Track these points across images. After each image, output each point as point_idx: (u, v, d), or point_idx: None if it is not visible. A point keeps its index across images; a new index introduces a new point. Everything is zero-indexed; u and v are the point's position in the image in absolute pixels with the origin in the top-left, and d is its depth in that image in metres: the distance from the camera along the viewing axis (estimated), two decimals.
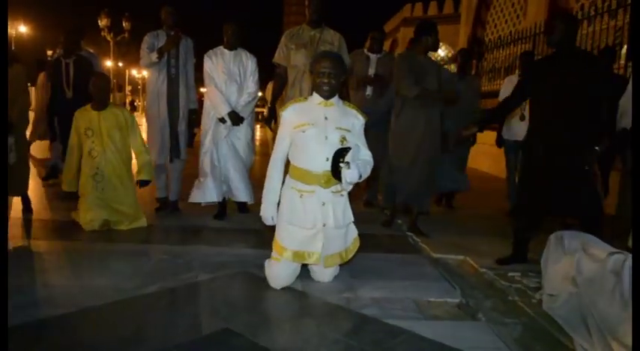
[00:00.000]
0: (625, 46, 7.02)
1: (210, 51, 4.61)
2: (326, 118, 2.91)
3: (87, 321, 2.41)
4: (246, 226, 4.32)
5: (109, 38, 22.21)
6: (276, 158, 3.02)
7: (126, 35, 22.58)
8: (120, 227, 4.06)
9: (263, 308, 2.70)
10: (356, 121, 3.02)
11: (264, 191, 3.03)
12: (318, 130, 2.87)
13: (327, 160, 2.82)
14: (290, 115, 2.95)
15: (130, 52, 28.14)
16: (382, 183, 4.87)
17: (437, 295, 2.94)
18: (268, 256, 3.02)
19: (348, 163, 2.75)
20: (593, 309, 2.34)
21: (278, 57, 4.45)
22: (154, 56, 4.53)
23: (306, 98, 3.11)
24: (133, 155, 4.31)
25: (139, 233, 4.00)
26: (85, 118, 4.10)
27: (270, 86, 7.34)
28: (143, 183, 4.26)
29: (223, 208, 4.66)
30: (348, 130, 2.93)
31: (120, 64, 29.29)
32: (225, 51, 4.58)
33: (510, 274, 3.33)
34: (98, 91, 4.09)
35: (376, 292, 2.92)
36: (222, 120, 4.46)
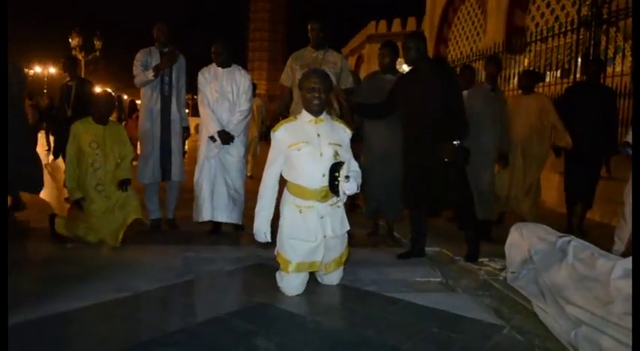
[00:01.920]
0: (579, 60, 7.76)
1: (205, 68, 4.63)
2: (318, 134, 3.06)
3: (148, 301, 2.97)
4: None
5: (80, 57, 22.39)
6: (269, 177, 3.14)
7: (97, 54, 22.92)
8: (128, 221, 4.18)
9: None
10: (345, 134, 3.22)
11: (257, 209, 3.17)
12: (313, 147, 3.01)
13: (324, 175, 2.99)
14: (283, 135, 3.08)
15: (97, 70, 28.42)
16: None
17: (421, 275, 3.61)
18: None
19: (347, 177, 2.96)
20: (546, 278, 3.01)
21: (283, 78, 4.72)
22: (150, 74, 4.52)
23: (295, 117, 3.21)
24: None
25: (159, 238, 4.51)
26: (89, 130, 4.20)
27: None
28: (125, 182, 4.24)
29: (216, 225, 4.69)
30: (340, 145, 3.10)
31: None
32: (219, 68, 4.59)
33: (480, 259, 4.00)
34: (105, 107, 4.27)
35: (373, 275, 3.54)
36: (212, 138, 4.47)
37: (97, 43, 22.51)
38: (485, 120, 4.85)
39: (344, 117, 4.65)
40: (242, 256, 3.93)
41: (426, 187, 3.92)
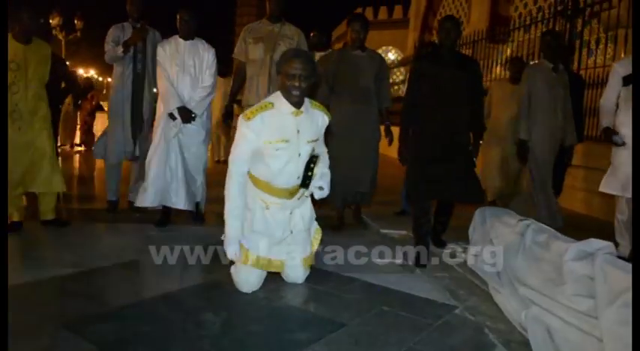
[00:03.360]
0: None
1: (164, 40, 4.29)
2: (298, 131, 2.74)
3: (102, 277, 2.94)
4: (217, 210, 4.72)
5: (60, 37, 22.01)
6: (237, 173, 2.71)
7: (78, 34, 22.50)
8: (33, 189, 3.86)
9: None
10: (322, 123, 2.91)
11: (226, 213, 2.75)
12: (292, 147, 2.71)
13: (298, 178, 2.76)
14: (259, 127, 2.64)
15: (78, 51, 27.96)
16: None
17: (383, 257, 3.59)
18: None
19: (321, 187, 2.79)
20: (504, 261, 3.02)
21: (237, 52, 4.36)
22: (120, 50, 4.32)
23: (272, 105, 2.72)
24: None
25: (120, 217, 4.46)
26: (8, 49, 3.62)
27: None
28: None
29: (167, 214, 4.27)
30: (317, 140, 2.86)
31: (67, 63, 28.77)
32: (180, 40, 4.20)
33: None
34: (28, 22, 3.73)
35: (334, 256, 3.53)
36: (171, 116, 4.08)
37: (78, 23, 22.11)
38: (544, 107, 4.44)
39: None
40: (203, 236, 3.90)
41: (445, 178, 3.67)
